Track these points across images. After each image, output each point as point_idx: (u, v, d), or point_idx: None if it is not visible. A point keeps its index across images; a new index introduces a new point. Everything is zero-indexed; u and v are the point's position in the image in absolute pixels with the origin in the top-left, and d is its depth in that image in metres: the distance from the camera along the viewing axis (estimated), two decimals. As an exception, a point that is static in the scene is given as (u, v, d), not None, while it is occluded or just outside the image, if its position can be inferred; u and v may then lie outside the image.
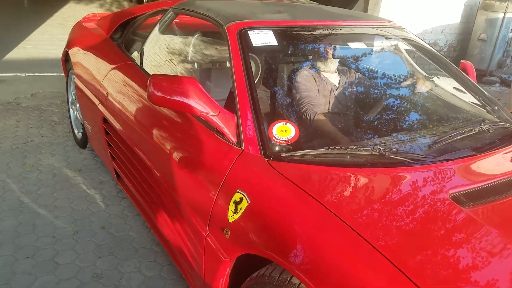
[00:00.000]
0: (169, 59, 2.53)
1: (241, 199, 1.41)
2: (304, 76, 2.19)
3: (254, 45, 1.89)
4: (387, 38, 2.38)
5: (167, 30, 2.58)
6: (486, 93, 2.22)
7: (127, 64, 2.55)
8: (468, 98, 2.20)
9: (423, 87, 2.29)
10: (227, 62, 2.63)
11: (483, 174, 1.61)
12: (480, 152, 1.66)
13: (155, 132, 2.04)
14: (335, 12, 2.51)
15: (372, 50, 2.42)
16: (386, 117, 2.10)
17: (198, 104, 1.61)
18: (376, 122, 2.10)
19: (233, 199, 1.44)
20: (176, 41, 2.66)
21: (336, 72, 2.27)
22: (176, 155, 1.85)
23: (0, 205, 2.60)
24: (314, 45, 2.27)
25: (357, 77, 2.35)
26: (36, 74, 5.16)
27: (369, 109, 2.20)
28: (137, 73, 2.41)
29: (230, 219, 1.43)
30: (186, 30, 2.72)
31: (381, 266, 1.08)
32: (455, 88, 2.24)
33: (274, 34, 1.95)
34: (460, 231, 1.23)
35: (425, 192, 1.37)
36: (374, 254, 1.11)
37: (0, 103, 4.17)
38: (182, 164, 1.80)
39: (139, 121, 2.19)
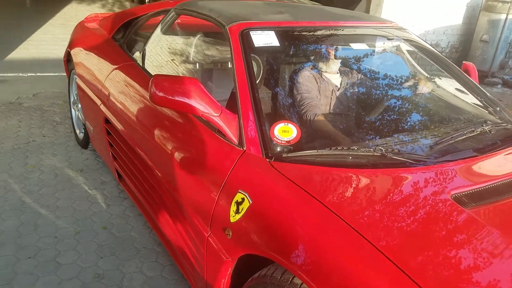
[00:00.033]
0: (171, 60, 2.53)
1: (243, 199, 1.41)
2: (306, 76, 2.20)
3: (256, 45, 1.89)
4: (389, 39, 2.38)
5: (169, 30, 2.58)
6: (488, 94, 2.22)
7: (129, 65, 2.56)
8: (470, 99, 2.20)
9: (425, 88, 2.29)
10: (229, 63, 2.64)
11: (485, 175, 1.61)
12: (482, 153, 1.66)
13: (156, 132, 2.04)
14: (337, 12, 2.51)
15: (374, 51, 2.42)
16: (387, 118, 2.10)
17: (199, 105, 1.61)
18: (377, 123, 2.10)
19: (234, 200, 1.45)
20: (178, 41, 2.66)
21: (337, 73, 2.26)
22: (177, 156, 1.85)
23: (2, 205, 2.60)
24: (316, 45, 2.27)
25: (358, 78, 2.35)
26: (38, 74, 5.17)
27: (370, 110, 2.20)
28: (139, 74, 2.41)
29: (232, 220, 1.43)
30: (188, 31, 2.73)
31: (383, 267, 1.08)
32: (457, 89, 2.23)
33: (276, 35, 1.95)
34: (462, 231, 1.23)
35: (427, 193, 1.37)
36: (376, 254, 1.11)
37: (2, 103, 4.18)
38: (184, 165, 1.80)
39: (140, 122, 2.19)
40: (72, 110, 3.49)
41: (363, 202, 1.33)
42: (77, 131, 3.43)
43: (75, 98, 3.41)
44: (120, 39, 2.97)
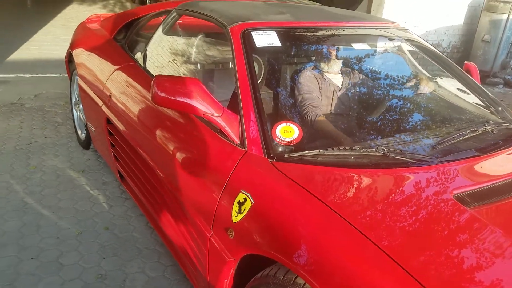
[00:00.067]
0: (173, 60, 2.53)
1: (245, 199, 1.41)
2: (307, 77, 2.19)
3: (257, 46, 1.89)
4: (390, 39, 2.38)
5: (170, 31, 2.59)
6: (489, 94, 2.22)
7: (131, 65, 2.56)
8: (472, 99, 2.20)
9: (426, 88, 2.29)
10: (230, 63, 2.65)
11: (487, 174, 1.61)
12: (484, 153, 1.66)
13: (158, 133, 2.05)
14: (338, 13, 2.51)
15: (375, 51, 2.42)
16: (389, 118, 2.09)
17: (201, 105, 1.61)
18: (379, 123, 2.10)
19: (237, 200, 1.45)
20: (179, 42, 2.67)
21: (339, 73, 2.26)
22: (179, 156, 1.85)
23: (4, 206, 2.61)
24: (317, 46, 2.27)
25: (360, 78, 2.35)
26: (39, 75, 5.18)
27: (372, 110, 2.20)
28: (140, 74, 2.41)
29: (234, 220, 1.43)
30: (190, 31, 2.73)
31: (387, 266, 1.08)
32: (458, 89, 2.23)
33: (277, 35, 1.95)
34: (464, 231, 1.23)
35: (430, 193, 1.37)
36: (380, 254, 1.11)
37: (3, 104, 4.19)
38: (186, 165, 1.81)
39: (142, 122, 2.20)
40: (74, 111, 3.50)
41: (365, 202, 1.33)
42: (79, 132, 3.44)
43: (77, 99, 3.41)
44: (122, 40, 2.97)
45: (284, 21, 2.13)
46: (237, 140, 1.61)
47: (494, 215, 1.34)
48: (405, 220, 1.24)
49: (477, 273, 1.10)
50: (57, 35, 7.35)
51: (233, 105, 1.73)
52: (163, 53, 2.52)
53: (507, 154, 1.71)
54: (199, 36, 2.64)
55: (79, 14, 9.23)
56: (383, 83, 2.40)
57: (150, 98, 1.92)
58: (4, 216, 2.51)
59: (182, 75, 2.42)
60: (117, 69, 2.58)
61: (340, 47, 2.28)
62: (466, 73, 2.30)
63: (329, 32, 2.19)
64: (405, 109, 2.19)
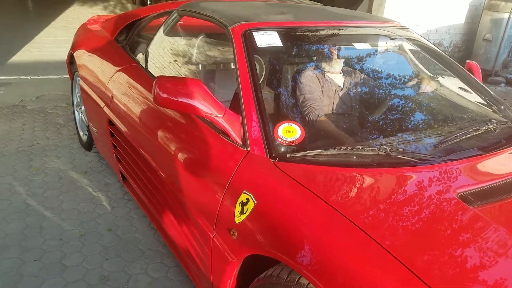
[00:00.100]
0: (174, 61, 2.53)
1: (248, 200, 1.41)
2: (308, 77, 2.19)
3: (258, 46, 1.89)
4: (392, 39, 2.37)
5: (171, 32, 2.58)
6: (492, 93, 2.21)
7: (132, 66, 2.56)
8: (474, 98, 2.20)
9: (428, 87, 2.28)
10: (231, 63, 2.65)
11: (490, 173, 1.60)
12: (487, 152, 1.66)
13: (160, 133, 2.05)
14: (340, 12, 2.51)
15: (377, 51, 2.42)
16: (391, 117, 2.09)
17: (203, 106, 1.61)
18: (381, 122, 2.09)
19: (239, 200, 1.44)
20: (180, 42, 2.67)
21: (341, 73, 2.26)
22: (181, 157, 1.85)
23: (7, 208, 2.61)
24: (318, 46, 2.27)
25: (361, 77, 2.34)
26: (41, 76, 5.19)
27: (374, 110, 2.19)
28: (142, 75, 2.41)
29: (237, 220, 1.43)
30: (191, 32, 2.73)
31: (390, 266, 1.08)
32: (461, 88, 2.23)
33: (278, 35, 1.95)
34: (468, 230, 1.23)
35: (433, 192, 1.37)
36: (383, 254, 1.10)
37: (5, 106, 4.19)
38: (188, 166, 1.80)
39: (144, 123, 2.20)
40: (76, 112, 3.50)
41: (368, 201, 1.32)
42: (81, 133, 3.44)
43: (79, 100, 3.42)
44: (123, 41, 2.97)
45: (285, 21, 2.13)
46: (239, 141, 1.61)
47: (497, 214, 1.34)
48: (409, 220, 1.24)
49: (481, 272, 1.10)
50: (58, 37, 7.36)
51: (234, 105, 1.73)
52: (165, 54, 2.52)
53: (510, 153, 1.70)
54: (200, 37, 2.64)
55: (80, 16, 9.24)
56: (385, 83, 2.40)
57: (152, 99, 1.93)
58: (7, 218, 2.51)
59: (183, 76, 2.42)
60: (119, 70, 2.58)
61: (341, 46, 2.27)
62: (468, 72, 2.30)
63: (330, 32, 2.18)
64: (407, 109, 2.18)
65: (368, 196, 1.36)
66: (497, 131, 1.83)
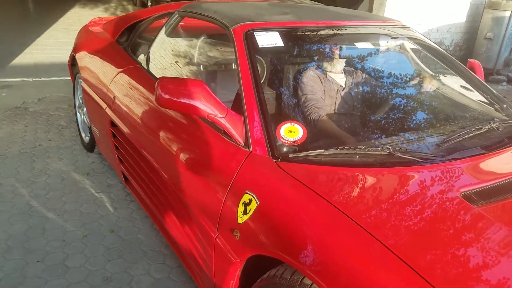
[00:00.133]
0: (175, 62, 2.53)
1: (250, 200, 1.41)
2: (310, 76, 2.19)
3: (260, 46, 1.89)
4: (393, 38, 2.37)
5: (173, 33, 2.59)
6: (494, 91, 2.21)
7: (134, 68, 2.56)
8: (477, 96, 2.19)
9: (430, 86, 2.28)
10: (233, 64, 2.64)
11: (493, 172, 1.60)
12: (490, 151, 1.65)
13: (162, 134, 2.05)
14: (341, 12, 2.51)
15: (379, 50, 2.41)
16: (393, 116, 2.09)
17: (205, 106, 1.61)
18: (383, 122, 2.09)
19: (242, 200, 1.44)
20: (182, 43, 2.67)
21: (342, 72, 2.26)
22: (184, 157, 1.85)
23: (10, 209, 2.62)
24: (320, 45, 2.27)
25: (363, 77, 2.34)
26: (43, 78, 5.20)
27: (376, 109, 2.19)
28: (144, 76, 2.41)
29: (240, 220, 1.43)
30: (192, 33, 2.73)
31: (394, 265, 1.08)
32: (463, 86, 2.23)
33: (280, 35, 1.95)
34: (471, 229, 1.22)
35: (436, 191, 1.37)
36: (387, 253, 1.10)
37: (8, 108, 4.20)
38: (190, 166, 1.80)
39: (146, 124, 2.20)
40: (78, 114, 3.51)
41: (371, 201, 1.32)
42: (83, 135, 3.44)
43: (80, 102, 3.42)
44: (124, 43, 2.98)
45: (287, 21, 2.13)
46: (241, 141, 1.61)
47: (501, 213, 1.33)
48: (412, 219, 1.24)
49: (484, 272, 1.09)
50: (60, 39, 7.38)
51: (237, 106, 1.73)
52: (166, 55, 2.52)
53: (513, 152, 1.70)
54: (202, 38, 2.64)
55: (81, 18, 9.27)
56: (387, 82, 2.39)
57: (154, 100, 1.93)
58: (10, 219, 2.52)
59: (185, 77, 2.42)
60: (121, 72, 2.59)
61: (343, 46, 2.27)
62: (470, 71, 2.30)
63: (331, 32, 2.18)
64: (409, 108, 2.18)
65: (371, 196, 1.35)
66: (500, 130, 1.82)
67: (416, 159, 1.52)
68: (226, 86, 2.51)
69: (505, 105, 2.11)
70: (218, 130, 1.73)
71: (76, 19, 9.32)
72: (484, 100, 2.17)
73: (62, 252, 2.28)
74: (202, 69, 2.59)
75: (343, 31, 2.22)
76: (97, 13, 10.41)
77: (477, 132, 1.76)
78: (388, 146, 1.56)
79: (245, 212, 1.41)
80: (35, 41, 7.10)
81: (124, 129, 2.40)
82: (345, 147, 1.58)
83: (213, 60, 2.67)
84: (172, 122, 2.01)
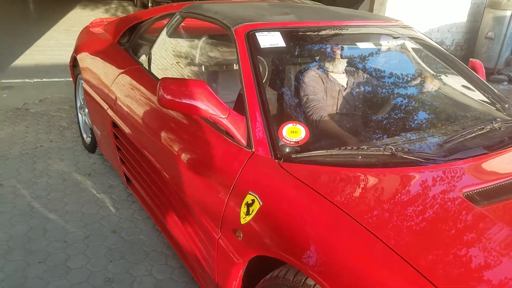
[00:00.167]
0: (177, 63, 2.53)
1: (253, 201, 1.41)
2: (312, 77, 2.19)
3: (262, 46, 1.89)
4: (395, 38, 2.37)
5: (174, 33, 2.58)
6: (496, 91, 2.21)
7: (135, 68, 2.56)
8: (479, 96, 2.19)
9: (432, 86, 2.27)
10: (234, 64, 2.64)
11: (496, 172, 1.60)
12: (492, 151, 1.65)
13: (164, 135, 2.05)
14: (342, 12, 2.50)
15: (380, 50, 2.41)
16: (396, 117, 2.08)
17: (207, 107, 1.61)
18: (385, 122, 2.08)
19: (245, 201, 1.44)
20: (183, 44, 2.67)
21: (344, 72, 2.26)
22: (186, 158, 1.85)
23: (11, 210, 2.62)
24: (321, 46, 2.27)
25: (365, 77, 2.34)
26: (44, 79, 5.20)
27: (378, 109, 2.18)
28: (145, 77, 2.41)
29: (243, 221, 1.43)
30: (193, 33, 2.73)
31: (397, 266, 1.08)
32: (465, 86, 2.22)
33: (281, 36, 1.95)
34: (474, 229, 1.22)
35: (439, 191, 1.36)
36: (390, 254, 1.10)
37: (9, 109, 4.20)
38: (192, 167, 1.80)
39: (148, 125, 2.20)
40: (79, 115, 3.51)
41: (374, 201, 1.32)
42: (84, 136, 3.44)
43: (82, 103, 3.42)
44: (126, 44, 2.98)
45: (288, 21, 2.13)
46: (243, 142, 1.61)
47: (503, 214, 1.33)
48: (415, 219, 1.24)
49: (487, 272, 1.09)
50: (60, 40, 7.38)
51: (239, 106, 1.73)
52: (168, 55, 2.52)
53: (516, 152, 1.69)
54: (203, 38, 2.64)
55: (82, 19, 9.27)
56: (388, 82, 2.39)
57: (155, 101, 1.92)
58: (11, 220, 2.52)
59: (187, 78, 2.42)
60: (122, 73, 2.58)
61: (344, 46, 2.27)
62: (472, 71, 2.29)
63: (333, 32, 2.18)
64: (411, 108, 2.17)
65: (374, 196, 1.35)
66: (502, 130, 1.82)
67: (418, 159, 1.52)
68: (228, 86, 2.51)
69: (507, 105, 2.11)
70: (220, 130, 1.73)
71: (77, 20, 9.32)
72: (486, 100, 2.16)
73: (64, 253, 2.28)
74: (203, 69, 2.59)
75: (344, 31, 2.21)
76: (98, 14, 10.42)
77: (479, 132, 1.76)
78: (390, 147, 1.55)
79: (248, 213, 1.41)
80: (36, 42, 7.10)
81: (126, 130, 2.39)
82: (348, 148, 1.58)
83: (214, 60, 2.67)
84: (173, 123, 2.01)
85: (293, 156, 1.53)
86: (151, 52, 2.52)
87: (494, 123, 1.84)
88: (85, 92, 3.09)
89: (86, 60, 3.15)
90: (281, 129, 1.56)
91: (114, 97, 2.56)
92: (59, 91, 4.79)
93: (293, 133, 1.56)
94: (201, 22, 2.31)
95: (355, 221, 1.20)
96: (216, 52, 2.70)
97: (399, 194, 1.37)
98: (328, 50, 2.24)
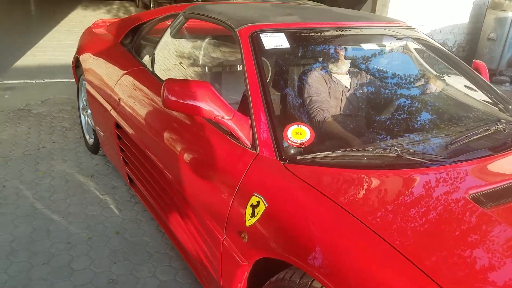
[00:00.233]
0: (180, 63, 2.53)
1: (258, 202, 1.41)
2: (315, 77, 2.19)
3: (266, 47, 1.89)
4: (399, 39, 2.36)
5: (178, 34, 2.58)
6: (500, 92, 2.20)
7: (139, 69, 2.56)
8: (482, 97, 2.19)
9: (436, 87, 2.27)
10: (237, 65, 2.64)
11: (501, 174, 1.59)
12: (497, 152, 1.65)
13: (168, 136, 2.04)
14: (346, 13, 2.50)
15: (385, 51, 2.41)
16: (400, 118, 2.08)
17: (212, 108, 1.61)
18: (388, 123, 2.08)
19: (250, 203, 1.44)
20: (187, 45, 2.67)
21: (347, 73, 2.25)
22: (189, 159, 1.84)
23: (14, 211, 2.61)
24: (325, 47, 2.27)
25: (368, 78, 2.33)
26: (46, 80, 5.20)
27: (382, 110, 2.18)
28: (149, 78, 2.41)
29: (248, 223, 1.42)
30: (197, 34, 2.73)
31: (404, 268, 1.07)
32: (469, 88, 2.22)
33: (286, 37, 1.95)
34: (481, 231, 1.22)
35: (446, 193, 1.36)
36: (396, 255, 1.10)
37: (11, 110, 4.20)
38: (196, 168, 1.80)
39: (152, 126, 2.20)
40: (82, 115, 3.50)
41: (380, 203, 1.32)
42: (87, 137, 3.44)
43: (84, 103, 3.42)
44: (129, 44, 2.98)
45: (292, 22, 2.12)
46: (248, 143, 1.61)
47: (510, 215, 1.32)
48: (421, 221, 1.23)
49: (493, 273, 1.09)
50: (62, 41, 7.39)
51: (243, 107, 1.73)
52: (171, 56, 2.52)
53: (521, 153, 1.69)
54: (207, 39, 2.64)
55: (83, 20, 9.28)
56: (392, 83, 2.39)
57: (159, 102, 1.92)
58: (14, 221, 2.52)
59: (190, 79, 2.41)
60: (125, 74, 2.58)
61: (348, 47, 2.27)
62: (476, 72, 2.29)
63: (337, 33, 2.18)
64: (416, 109, 2.17)
65: (380, 198, 1.35)
66: (506, 131, 1.82)
67: (424, 161, 1.52)
68: (231, 87, 2.51)
69: (510, 106, 2.10)
70: (224, 131, 1.73)
71: (78, 21, 9.33)
72: (490, 101, 2.16)
73: (67, 254, 2.28)
74: (207, 70, 2.59)
75: (348, 32, 2.21)
76: (99, 14, 10.43)
77: (484, 134, 1.76)
78: (396, 148, 1.55)
79: (253, 215, 1.41)
80: (38, 43, 7.10)
81: (129, 130, 2.39)
82: (353, 149, 1.58)
83: (218, 61, 2.67)
84: (177, 124, 2.00)
85: (298, 157, 1.53)
86: (154, 53, 2.52)
87: (498, 124, 1.84)
88: (88, 93, 3.09)
89: (89, 61, 3.15)
90: (286, 130, 1.56)
91: (117, 98, 2.55)
92: (61, 92, 4.79)
93: (298, 134, 1.55)
94: (204, 23, 2.31)
95: (361, 223, 1.20)
96: (219, 53, 2.70)
97: (405, 196, 1.36)
98: (332, 51, 2.24)
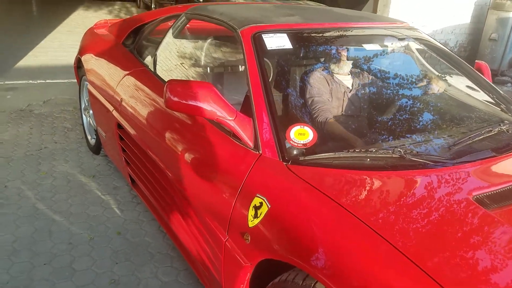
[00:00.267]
0: (182, 64, 2.53)
1: (261, 203, 1.40)
2: (317, 78, 2.18)
3: (268, 48, 1.88)
4: (400, 39, 2.36)
5: (180, 35, 2.58)
6: (502, 93, 2.20)
7: (141, 70, 2.56)
8: (485, 98, 2.18)
9: (438, 88, 2.27)
10: (239, 66, 2.64)
11: (505, 175, 1.59)
12: (501, 153, 1.64)
13: (170, 137, 2.04)
14: (348, 14, 2.50)
15: (387, 52, 2.40)
16: (403, 119, 2.07)
17: (214, 109, 1.61)
18: (390, 124, 2.07)
19: (252, 204, 1.44)
20: (189, 46, 2.66)
21: (349, 74, 2.25)
22: (191, 160, 1.84)
23: (16, 212, 2.61)
24: (327, 47, 2.26)
25: (370, 79, 2.33)
26: (47, 81, 5.20)
27: (384, 111, 2.18)
28: (151, 79, 2.41)
29: (250, 224, 1.42)
30: (199, 35, 2.73)
31: (408, 269, 1.07)
32: (472, 88, 2.21)
33: (288, 37, 1.94)
34: (485, 233, 1.21)
35: (449, 195, 1.36)
36: (400, 257, 1.09)
37: (13, 110, 4.20)
38: (198, 169, 1.80)
39: (154, 127, 2.20)
40: (83, 116, 3.51)
41: (383, 204, 1.31)
42: (89, 137, 3.44)
43: (86, 104, 3.42)
44: (130, 45, 2.97)
45: (294, 23, 2.12)
46: (251, 144, 1.60)
47: (513, 217, 1.32)
48: (424, 222, 1.23)
49: (495, 275, 1.08)
50: (64, 41, 7.39)
51: (245, 108, 1.72)
52: (173, 57, 2.52)
53: (524, 154, 1.68)
54: (209, 40, 2.63)
55: (85, 20, 9.29)
56: (394, 83, 2.38)
57: (161, 103, 1.92)
58: (16, 222, 2.52)
59: (192, 79, 2.41)
60: (127, 74, 2.58)
61: (350, 48, 2.26)
62: (478, 72, 2.29)
63: (339, 33, 2.17)
64: (418, 110, 2.16)
65: (384, 199, 1.34)
66: (510, 132, 1.81)
67: (427, 162, 1.51)
68: (234, 88, 2.50)
69: (513, 107, 2.10)
70: (226, 132, 1.72)
71: (80, 22, 9.34)
72: (493, 102, 2.15)
73: (69, 255, 2.28)
74: (209, 71, 2.58)
75: (350, 33, 2.21)
76: (101, 15, 10.44)
77: (487, 135, 1.75)
78: (399, 149, 1.55)
79: (256, 216, 1.41)
80: (39, 44, 7.11)
81: (131, 131, 2.39)
82: (356, 150, 1.57)
83: (219, 62, 2.67)
84: (179, 124, 2.00)
85: (301, 158, 1.53)
86: (156, 54, 2.52)
87: (501, 125, 1.84)
88: (90, 93, 3.09)
89: (91, 62, 3.15)
90: (289, 131, 1.55)
91: (119, 99, 2.55)
92: (63, 93, 4.79)
93: (301, 135, 1.55)
94: (206, 24, 2.31)
95: (364, 224, 1.20)
96: (221, 53, 2.70)
97: (408, 197, 1.36)
98: (334, 51, 2.24)
